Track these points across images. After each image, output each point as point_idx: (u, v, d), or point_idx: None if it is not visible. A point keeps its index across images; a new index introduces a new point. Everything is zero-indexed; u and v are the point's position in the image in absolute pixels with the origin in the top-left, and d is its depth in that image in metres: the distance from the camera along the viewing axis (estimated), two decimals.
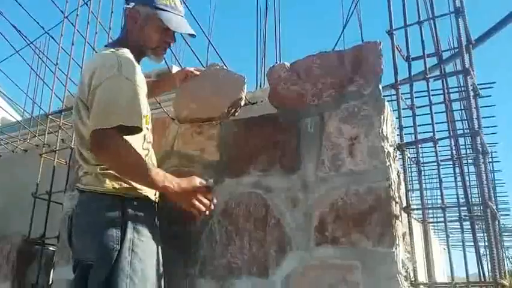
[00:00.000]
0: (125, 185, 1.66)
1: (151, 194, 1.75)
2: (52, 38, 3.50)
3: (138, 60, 1.79)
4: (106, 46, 1.87)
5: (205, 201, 1.71)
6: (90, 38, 3.08)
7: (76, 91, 1.81)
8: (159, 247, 1.69)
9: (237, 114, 2.18)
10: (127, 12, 1.80)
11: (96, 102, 1.59)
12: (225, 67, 2.22)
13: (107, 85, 1.59)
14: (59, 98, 3.27)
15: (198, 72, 2.19)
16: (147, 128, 1.77)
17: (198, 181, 1.70)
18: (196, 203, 1.68)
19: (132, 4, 1.78)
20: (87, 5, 3.21)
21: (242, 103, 2.17)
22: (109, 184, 1.64)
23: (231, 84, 2.13)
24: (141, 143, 1.75)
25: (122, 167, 1.59)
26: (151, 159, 1.84)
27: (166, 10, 1.79)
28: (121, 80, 1.60)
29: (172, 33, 1.85)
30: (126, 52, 1.73)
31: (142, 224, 1.65)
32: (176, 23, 1.81)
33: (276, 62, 2.25)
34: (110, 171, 1.65)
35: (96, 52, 2.59)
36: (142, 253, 1.61)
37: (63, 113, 3.13)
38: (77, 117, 1.73)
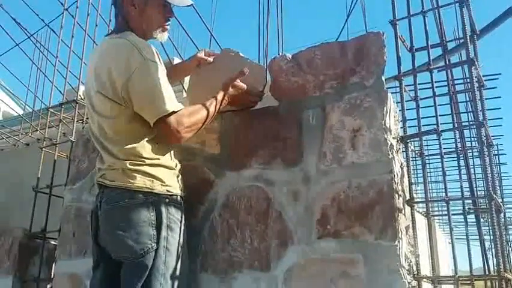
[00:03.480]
0: (158, 182, 1.64)
1: (179, 190, 1.74)
2: (52, 30, 3.50)
3: None
4: (108, 35, 1.85)
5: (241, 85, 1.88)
6: (90, 30, 3.06)
7: (89, 84, 1.78)
8: (185, 241, 1.71)
9: (256, 106, 2.08)
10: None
11: (137, 95, 1.62)
12: (240, 53, 2.09)
13: (140, 74, 1.60)
14: (60, 91, 3.26)
15: (210, 59, 2.12)
16: None
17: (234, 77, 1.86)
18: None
19: None
20: None
21: (263, 96, 2.04)
22: (141, 181, 1.62)
23: (250, 75, 1.96)
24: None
25: (199, 127, 1.73)
26: (175, 149, 1.83)
27: None
28: (150, 65, 1.62)
29: (171, 7, 1.84)
30: (133, 35, 1.72)
31: (173, 221, 1.65)
32: None
33: (278, 54, 2.21)
34: (141, 168, 1.63)
35: (96, 44, 2.56)
36: (175, 250, 1.63)
37: (63, 106, 3.11)
38: (94, 111, 1.72)
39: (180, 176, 1.78)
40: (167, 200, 1.65)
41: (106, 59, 1.68)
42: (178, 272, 1.63)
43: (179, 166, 1.79)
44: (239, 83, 1.88)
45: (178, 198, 1.71)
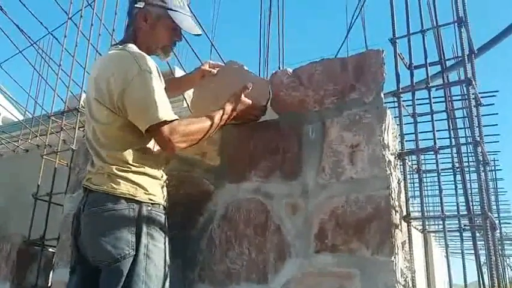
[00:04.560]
0: (141, 190, 1.66)
1: (162, 199, 1.75)
2: (56, 38, 3.52)
3: None
4: (113, 46, 1.89)
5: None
6: (93, 40, 3.09)
7: (89, 91, 1.83)
8: (167, 251, 1.70)
9: (259, 120, 2.09)
10: (137, 11, 1.83)
11: (132, 104, 1.65)
12: (245, 66, 2.12)
13: (136, 84, 1.64)
14: (61, 99, 3.28)
15: (214, 71, 2.15)
16: None
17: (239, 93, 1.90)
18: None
19: (143, 4, 1.82)
20: (91, 6, 3.22)
21: (265, 111, 2.05)
22: (124, 187, 1.64)
23: (254, 89, 1.98)
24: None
25: (198, 138, 1.75)
26: (165, 159, 1.86)
27: (176, 11, 1.85)
28: (146, 76, 1.65)
29: (180, 32, 1.90)
30: (135, 47, 1.77)
31: (155, 229, 1.66)
32: (187, 23, 1.89)
33: (279, 68, 2.24)
34: (126, 174, 1.66)
35: (100, 54, 2.59)
36: (157, 258, 1.63)
37: (65, 114, 3.13)
38: (91, 117, 1.77)
39: (165, 187, 1.80)
40: (149, 208, 1.66)
41: (106, 69, 1.73)
42: (162, 281, 1.63)
43: (165, 177, 1.81)
44: (244, 98, 1.91)
45: (161, 207, 1.73)
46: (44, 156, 3.06)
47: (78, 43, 3.18)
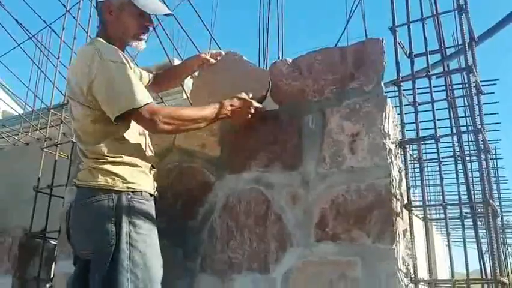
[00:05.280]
0: (119, 180, 1.67)
1: (148, 187, 1.75)
2: (54, 31, 3.50)
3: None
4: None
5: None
6: (92, 32, 3.07)
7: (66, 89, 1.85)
8: (155, 238, 1.70)
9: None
10: (101, 5, 1.81)
11: (100, 96, 1.65)
12: (244, 57, 2.10)
13: (100, 77, 1.63)
14: (61, 92, 3.28)
15: (213, 61, 2.12)
16: None
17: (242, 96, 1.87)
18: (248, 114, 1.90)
19: None
20: None
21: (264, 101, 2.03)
22: (102, 179, 1.66)
23: (253, 79, 1.99)
24: (137, 128, 1.78)
25: (186, 125, 1.74)
26: (148, 146, 1.85)
27: None
28: (108, 65, 1.64)
29: (149, 16, 1.85)
30: (102, 40, 1.76)
31: (138, 217, 1.66)
32: (153, 5, 1.83)
33: (279, 58, 2.23)
34: (103, 166, 1.67)
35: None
36: (142, 246, 1.62)
37: (64, 106, 3.13)
38: (71, 115, 1.80)
39: (149, 174, 1.79)
40: (129, 197, 1.66)
41: (73, 66, 1.77)
42: (152, 269, 1.63)
43: (149, 165, 1.79)
44: (245, 97, 1.88)
45: (144, 194, 1.72)
46: (45, 149, 3.06)
47: (77, 36, 3.17)
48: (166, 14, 1.92)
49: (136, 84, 1.65)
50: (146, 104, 1.62)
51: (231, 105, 1.83)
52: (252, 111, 1.89)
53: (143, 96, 1.63)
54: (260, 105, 1.94)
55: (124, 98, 1.61)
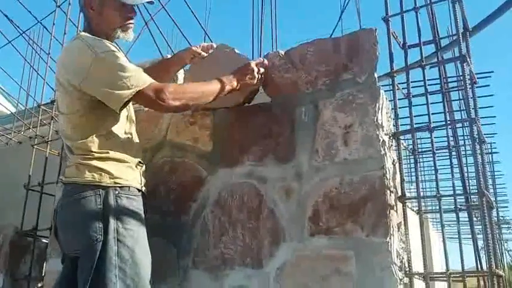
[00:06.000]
0: (106, 175, 1.64)
1: (136, 182, 1.72)
2: (45, 27, 3.47)
3: None
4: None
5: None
6: (82, 28, 3.04)
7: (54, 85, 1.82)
8: (144, 233, 1.68)
9: (251, 103, 2.08)
10: (82, 2, 1.79)
11: (99, 88, 1.62)
12: (236, 50, 2.09)
13: (96, 69, 1.60)
14: (52, 88, 3.24)
15: (205, 54, 2.10)
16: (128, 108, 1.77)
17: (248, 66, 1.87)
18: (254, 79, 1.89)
19: None
20: None
21: (257, 93, 2.04)
22: (89, 175, 1.63)
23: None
24: (124, 124, 1.76)
25: (195, 97, 1.72)
26: (135, 142, 1.82)
27: None
28: (103, 57, 1.61)
29: (131, 6, 1.83)
30: (87, 34, 1.73)
31: (126, 213, 1.63)
32: None
33: (272, 50, 2.20)
34: (90, 162, 1.65)
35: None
36: (129, 241, 1.60)
37: (55, 103, 3.09)
38: (57, 110, 1.79)
39: (137, 169, 1.76)
40: (116, 192, 1.64)
41: (61, 61, 1.74)
42: (141, 264, 1.60)
43: (136, 160, 1.77)
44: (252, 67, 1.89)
45: (131, 189, 1.70)
46: (35, 146, 3.03)
47: (67, 31, 3.14)
48: (148, 2, 1.90)
49: (134, 69, 1.63)
50: (150, 83, 1.62)
51: (235, 76, 1.84)
52: (257, 75, 1.89)
53: (144, 77, 1.63)
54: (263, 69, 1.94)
55: (126, 84, 1.59)
